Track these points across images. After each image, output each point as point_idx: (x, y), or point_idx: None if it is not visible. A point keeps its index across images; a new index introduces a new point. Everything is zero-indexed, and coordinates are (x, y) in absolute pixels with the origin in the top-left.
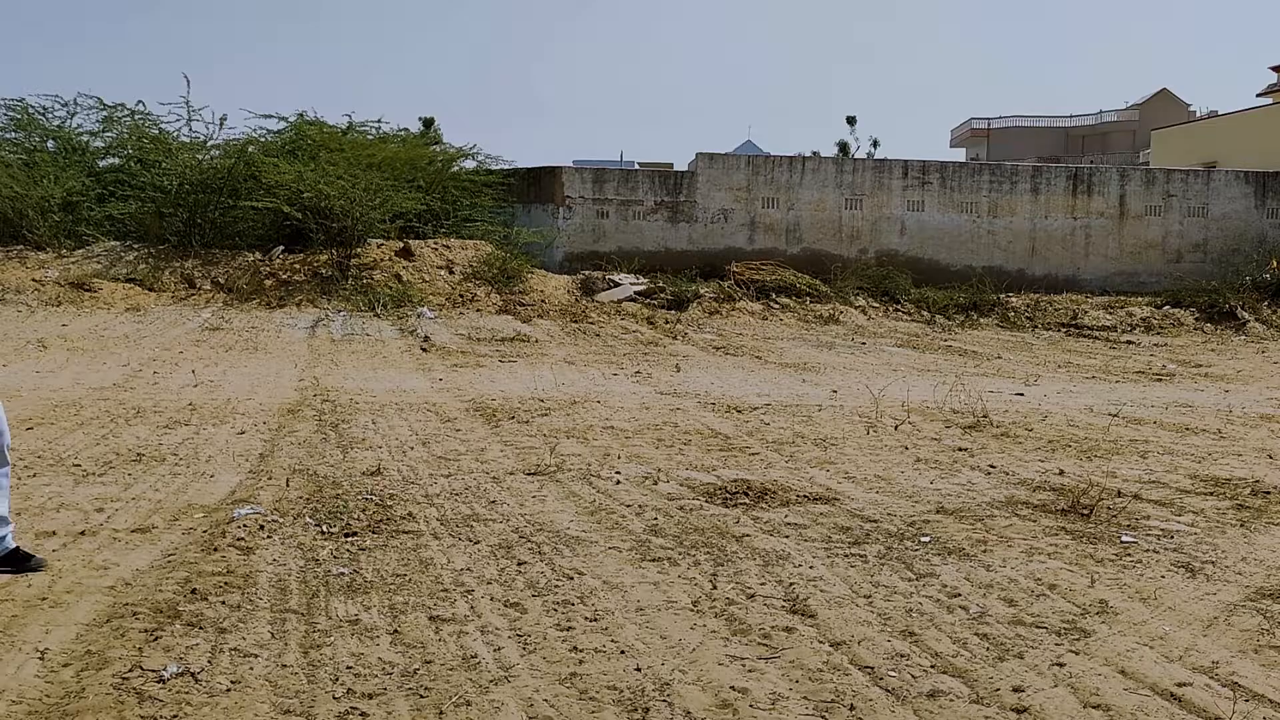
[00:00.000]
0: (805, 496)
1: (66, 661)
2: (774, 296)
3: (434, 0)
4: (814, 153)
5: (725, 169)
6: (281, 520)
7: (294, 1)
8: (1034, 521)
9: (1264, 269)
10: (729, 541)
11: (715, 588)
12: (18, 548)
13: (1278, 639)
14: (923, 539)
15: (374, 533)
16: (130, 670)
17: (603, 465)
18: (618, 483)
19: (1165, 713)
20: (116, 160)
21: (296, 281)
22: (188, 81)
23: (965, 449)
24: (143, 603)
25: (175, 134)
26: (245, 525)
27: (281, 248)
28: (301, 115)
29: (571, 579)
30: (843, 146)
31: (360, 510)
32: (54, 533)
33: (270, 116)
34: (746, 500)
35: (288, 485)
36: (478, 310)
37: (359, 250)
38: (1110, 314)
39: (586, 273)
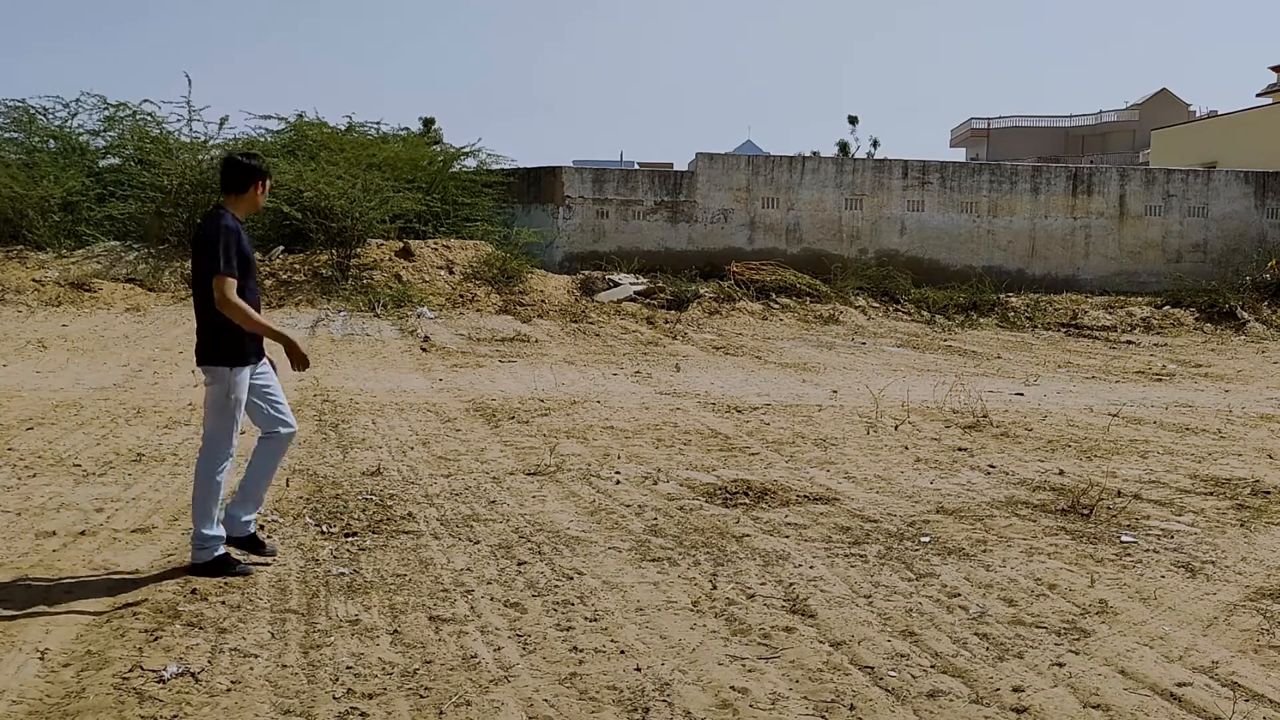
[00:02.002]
0: (805, 496)
1: (66, 661)
2: (774, 296)
3: (434, 0)
4: (814, 153)
5: (725, 169)
6: (281, 520)
7: (294, 1)
8: (1034, 521)
9: (1264, 269)
10: (729, 541)
11: (715, 588)
12: (254, 533)
13: (1278, 639)
14: (923, 539)
15: (374, 533)
16: (130, 670)
17: (603, 465)
18: (618, 483)
19: (1165, 713)
20: (117, 160)
21: (296, 281)
22: (189, 82)
23: (965, 449)
24: (143, 603)
25: (176, 134)
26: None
27: (281, 248)
28: (301, 115)
29: (571, 579)
30: (843, 146)
31: (360, 510)
32: (54, 533)
33: (270, 117)
34: (746, 500)
35: (288, 485)
36: (478, 310)
37: (359, 250)
38: (1110, 314)
39: (586, 273)
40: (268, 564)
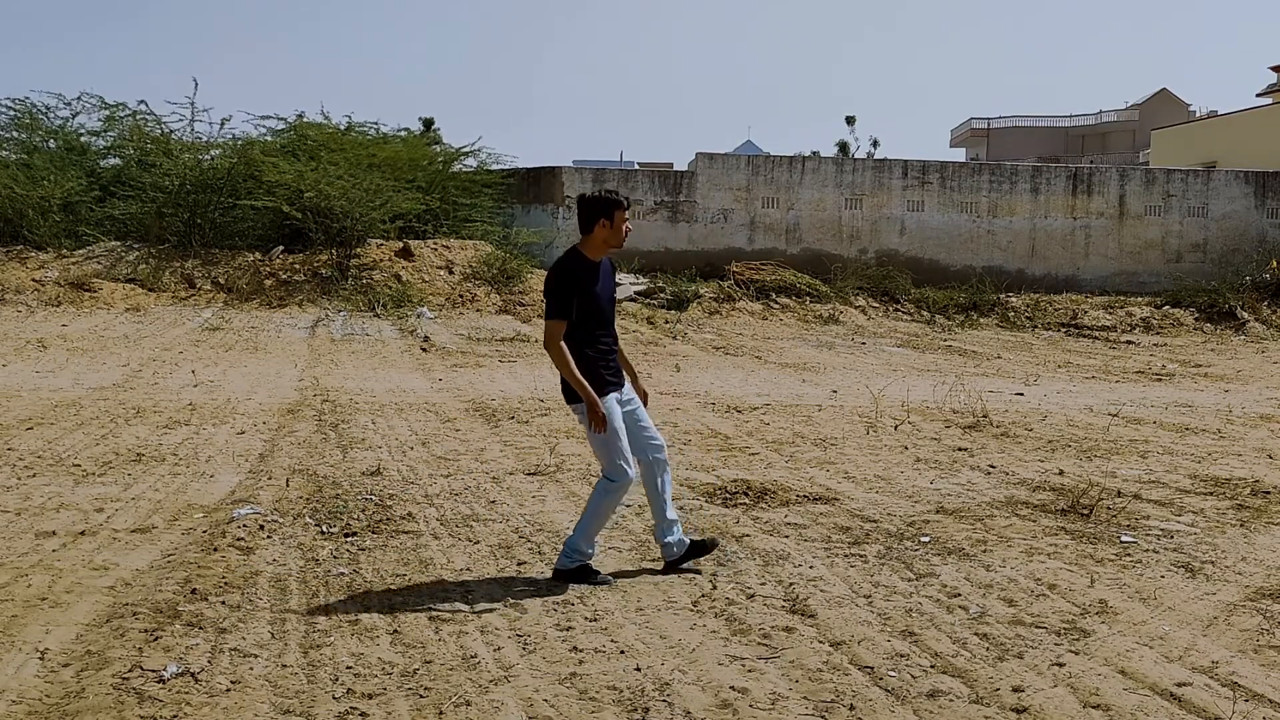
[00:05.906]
0: (805, 496)
1: (66, 661)
2: (774, 296)
3: (434, 0)
4: (814, 153)
5: (725, 169)
6: (281, 520)
7: (294, 1)
8: (1034, 521)
9: (1264, 269)
10: (729, 541)
11: (715, 588)
12: (692, 540)
13: (1278, 639)
14: (923, 539)
15: (374, 533)
16: (130, 670)
17: None
18: None
19: (1165, 713)
20: (117, 160)
21: (296, 281)
22: (195, 84)
23: (965, 449)
24: (143, 603)
25: (178, 134)
26: (245, 525)
27: (281, 248)
28: (301, 115)
29: None
30: (843, 146)
31: (360, 510)
32: (54, 533)
33: (270, 117)
34: (746, 500)
35: (288, 485)
36: (477, 310)
37: (359, 250)
38: (1110, 314)
39: None
40: (719, 545)
